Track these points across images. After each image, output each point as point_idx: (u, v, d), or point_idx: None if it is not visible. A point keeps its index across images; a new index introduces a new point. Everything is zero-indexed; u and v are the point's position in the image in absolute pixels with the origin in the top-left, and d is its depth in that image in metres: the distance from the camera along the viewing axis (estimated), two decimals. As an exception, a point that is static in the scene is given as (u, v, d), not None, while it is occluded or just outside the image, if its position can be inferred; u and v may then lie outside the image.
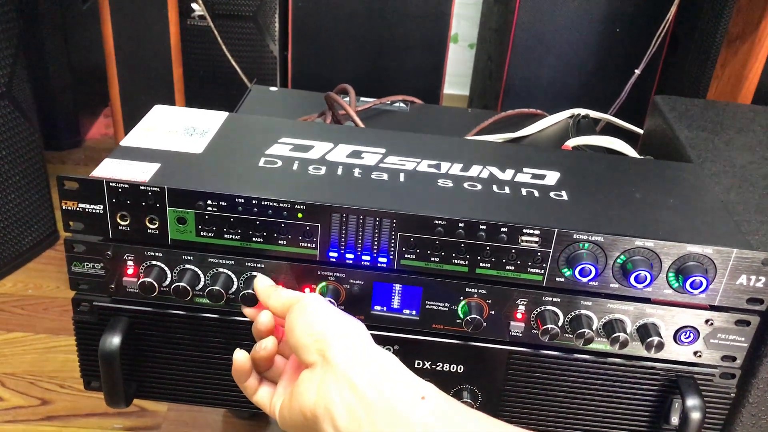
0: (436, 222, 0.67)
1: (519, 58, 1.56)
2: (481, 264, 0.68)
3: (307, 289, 0.71)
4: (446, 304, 0.71)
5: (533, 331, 0.71)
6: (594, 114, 1.10)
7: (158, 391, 0.78)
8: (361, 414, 0.53)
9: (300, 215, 0.67)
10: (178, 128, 0.79)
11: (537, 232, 0.67)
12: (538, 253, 0.67)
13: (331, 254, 0.69)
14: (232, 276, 0.71)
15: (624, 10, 1.52)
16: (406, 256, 0.69)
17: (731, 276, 0.67)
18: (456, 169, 0.76)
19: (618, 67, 1.53)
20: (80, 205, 0.68)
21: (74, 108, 1.88)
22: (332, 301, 0.69)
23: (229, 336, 0.74)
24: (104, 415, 1.14)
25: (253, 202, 0.67)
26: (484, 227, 0.67)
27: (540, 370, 0.73)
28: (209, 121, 0.82)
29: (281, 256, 0.70)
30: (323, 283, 0.71)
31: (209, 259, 0.70)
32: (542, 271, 0.68)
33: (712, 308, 0.69)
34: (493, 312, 0.71)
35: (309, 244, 0.69)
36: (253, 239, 0.69)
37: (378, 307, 0.72)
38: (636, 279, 0.66)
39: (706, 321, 0.69)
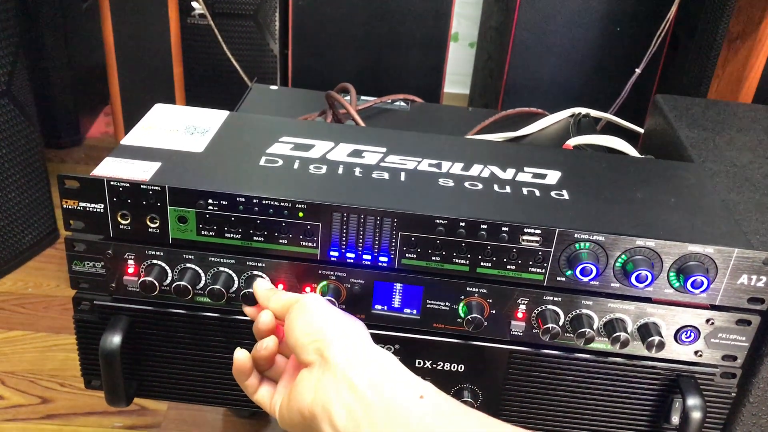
0: (437, 221, 0.67)
1: (519, 57, 1.56)
2: (482, 263, 0.68)
3: (307, 289, 0.71)
4: (447, 304, 0.71)
5: (534, 331, 0.71)
6: (595, 113, 1.10)
7: (159, 390, 0.78)
8: (359, 414, 0.53)
9: (301, 214, 0.67)
10: (178, 127, 0.79)
11: (538, 231, 0.67)
12: (539, 252, 0.67)
13: (332, 253, 0.69)
14: (233, 275, 0.71)
15: (624, 10, 1.52)
16: (407, 255, 0.69)
17: (732, 275, 0.67)
18: (457, 168, 0.76)
19: (618, 66, 1.53)
20: (81, 203, 0.68)
21: (74, 106, 1.87)
22: (333, 300, 0.69)
23: (229, 335, 0.74)
24: (104, 413, 1.14)
25: (254, 201, 0.67)
26: (485, 227, 0.67)
27: (541, 370, 0.73)
28: (210, 120, 0.82)
29: (282, 255, 0.70)
30: (324, 283, 0.71)
31: (210, 258, 0.70)
32: (543, 271, 0.68)
33: (713, 308, 0.69)
34: (493, 311, 0.71)
35: (310, 244, 0.69)
36: (254, 238, 0.69)
37: (379, 307, 0.72)
38: (637, 278, 0.66)
39: (707, 320, 0.69)
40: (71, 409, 1.15)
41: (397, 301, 0.71)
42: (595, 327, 0.70)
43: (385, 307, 0.72)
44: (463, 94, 2.22)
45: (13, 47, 1.34)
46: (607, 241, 0.66)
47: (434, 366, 0.74)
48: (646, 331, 0.69)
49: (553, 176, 0.77)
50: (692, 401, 0.69)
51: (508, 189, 0.73)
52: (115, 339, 0.70)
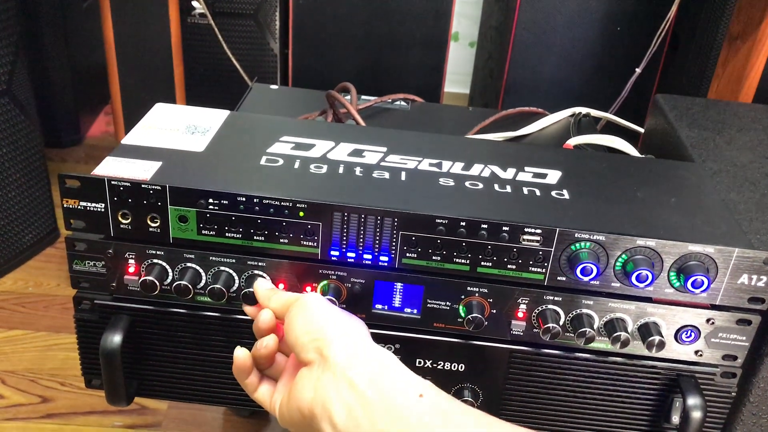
0: (438, 221, 0.67)
1: (520, 56, 1.56)
2: (482, 263, 0.68)
3: (308, 288, 0.71)
4: (447, 303, 0.71)
5: (534, 330, 0.71)
6: (595, 113, 1.10)
7: (159, 389, 0.78)
8: (359, 412, 0.53)
9: (301, 214, 0.67)
10: (179, 126, 0.79)
11: (538, 231, 0.67)
12: (540, 252, 0.67)
13: (333, 253, 0.69)
14: (234, 274, 0.71)
15: (625, 9, 1.52)
16: (407, 254, 0.69)
17: (732, 275, 0.67)
18: (457, 167, 0.76)
19: (619, 65, 1.53)
20: (82, 203, 0.68)
21: (75, 106, 1.87)
22: (333, 299, 0.69)
23: (230, 334, 0.74)
24: (104, 412, 1.14)
25: (255, 200, 0.67)
26: (486, 226, 0.67)
27: (541, 369, 0.73)
28: (210, 120, 0.82)
29: (283, 254, 0.70)
30: (324, 282, 0.71)
31: (210, 258, 0.70)
32: (543, 270, 0.68)
33: (714, 307, 0.69)
34: (494, 311, 0.71)
35: (310, 243, 0.69)
36: (255, 238, 0.69)
37: (379, 306, 0.72)
38: (637, 278, 0.66)
39: (708, 320, 0.69)
40: (71, 408, 1.15)
41: (397, 301, 0.71)
42: (595, 327, 0.70)
43: (386, 307, 0.72)
44: (464, 94, 2.22)
45: (13, 46, 1.34)
46: (608, 240, 0.66)
47: (435, 365, 0.74)
48: (646, 331, 0.69)
49: (553, 176, 0.77)
50: (692, 401, 0.69)
51: (508, 189, 0.73)
52: (116, 338, 0.70)
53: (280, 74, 1.58)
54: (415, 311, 0.72)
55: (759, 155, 0.91)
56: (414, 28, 1.48)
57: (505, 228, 0.67)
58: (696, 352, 0.71)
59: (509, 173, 0.76)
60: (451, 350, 0.73)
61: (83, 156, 1.89)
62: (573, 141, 0.97)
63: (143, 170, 0.69)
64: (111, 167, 0.69)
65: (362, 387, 0.54)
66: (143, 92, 1.45)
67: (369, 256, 0.69)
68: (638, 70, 1.41)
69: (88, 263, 0.71)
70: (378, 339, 0.60)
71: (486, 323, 0.70)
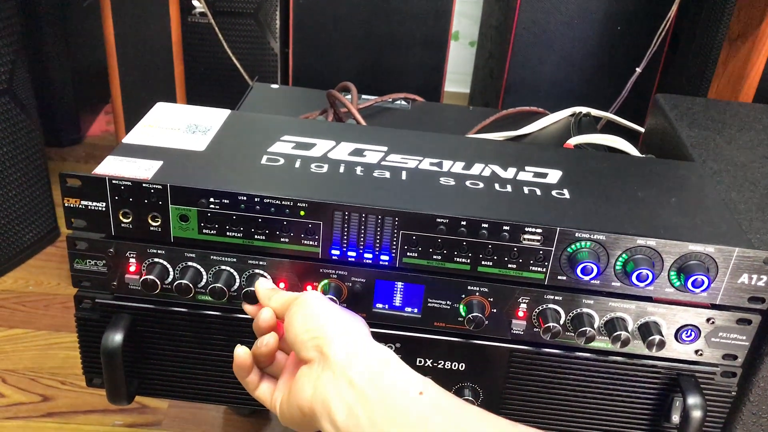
0: (439, 220, 0.67)
1: (520, 56, 1.56)
2: (483, 262, 0.68)
3: (309, 287, 0.71)
4: (448, 302, 0.71)
5: (535, 330, 0.71)
6: (595, 112, 1.11)
7: (160, 387, 0.78)
8: (359, 410, 0.53)
9: (302, 213, 0.67)
10: (180, 126, 0.79)
11: (539, 230, 0.67)
12: (540, 251, 0.68)
13: (333, 252, 0.69)
14: (234, 273, 0.71)
15: (625, 9, 1.52)
16: (408, 254, 0.69)
17: (733, 275, 0.67)
18: (458, 167, 0.77)
19: (619, 65, 1.53)
20: (83, 202, 0.68)
21: (75, 105, 1.87)
22: (334, 298, 0.69)
23: (230, 333, 0.74)
24: (105, 411, 1.14)
25: (256, 199, 0.67)
26: (486, 225, 0.67)
27: (541, 369, 0.73)
28: (211, 119, 0.82)
29: (283, 253, 0.70)
30: (325, 281, 0.71)
31: (211, 257, 0.70)
32: (544, 270, 0.68)
33: (714, 307, 0.69)
34: (494, 310, 0.71)
35: (311, 242, 0.69)
36: (256, 237, 0.69)
37: (380, 305, 0.72)
38: (638, 277, 0.66)
39: (708, 320, 0.69)
40: (72, 407, 1.15)
41: (398, 300, 0.71)
42: (595, 326, 0.70)
43: (386, 306, 0.72)
44: (464, 93, 2.22)
45: (14, 45, 1.34)
46: (608, 240, 0.67)
47: (435, 364, 0.74)
48: (646, 330, 0.69)
49: (554, 175, 0.77)
50: (692, 400, 0.69)
51: (509, 188, 0.73)
52: (117, 337, 0.70)
53: (281, 73, 1.58)
54: (415, 310, 0.72)
55: (759, 155, 0.91)
56: (414, 28, 1.48)
57: (505, 227, 0.67)
58: (696, 352, 0.71)
59: (510, 173, 0.76)
60: (452, 349, 0.73)
61: (83, 155, 1.89)
62: (573, 140, 0.97)
63: (144, 169, 0.69)
64: (112, 166, 0.69)
65: (362, 385, 0.54)
66: (144, 91, 1.45)
67: (370, 256, 0.69)
68: (638, 70, 1.41)
69: (89, 262, 0.71)
70: (378, 338, 0.60)
71: (486, 322, 0.70)
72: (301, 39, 1.49)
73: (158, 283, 0.70)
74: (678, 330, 0.70)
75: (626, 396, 0.74)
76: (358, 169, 0.74)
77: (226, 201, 0.67)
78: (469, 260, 0.69)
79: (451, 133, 0.95)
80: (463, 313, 0.71)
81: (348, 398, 0.53)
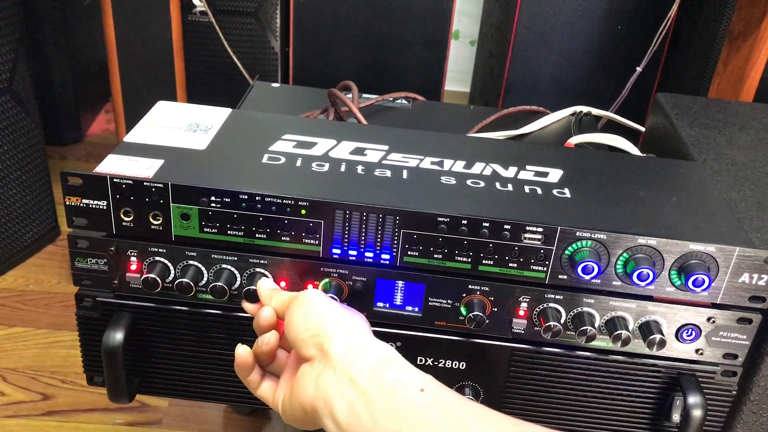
0: (440, 219, 0.67)
1: (520, 55, 1.56)
2: (483, 261, 0.68)
3: (309, 286, 0.71)
4: (449, 301, 0.71)
5: (535, 329, 0.71)
6: (596, 111, 1.10)
7: (160, 386, 0.78)
8: (360, 408, 0.53)
9: (303, 212, 0.68)
10: (181, 124, 0.79)
11: (540, 229, 0.67)
12: (541, 250, 0.68)
13: (334, 251, 0.69)
14: (235, 272, 0.71)
15: (625, 8, 1.52)
16: (409, 252, 0.69)
17: (733, 274, 0.67)
18: (459, 166, 0.77)
19: (619, 64, 1.53)
20: (84, 200, 0.68)
21: (75, 103, 1.87)
22: (335, 297, 0.69)
23: (231, 332, 0.74)
24: (105, 410, 1.14)
25: (257, 198, 0.67)
26: (487, 224, 0.67)
27: (542, 367, 0.73)
28: (212, 118, 0.82)
29: (284, 252, 0.70)
30: (326, 280, 0.71)
31: (212, 256, 0.70)
32: (545, 269, 0.69)
33: (714, 306, 0.70)
34: (495, 309, 0.71)
35: (312, 241, 0.69)
36: (257, 236, 0.69)
37: (381, 304, 0.72)
38: (638, 277, 0.67)
39: (708, 319, 0.70)
40: (72, 405, 1.15)
41: (399, 299, 0.71)
42: (596, 325, 0.70)
43: (387, 305, 0.72)
44: (464, 92, 2.22)
45: (14, 44, 1.34)
46: (609, 239, 0.67)
47: (436, 363, 0.74)
48: (647, 329, 0.70)
49: (554, 174, 0.77)
50: (693, 399, 0.69)
51: (510, 187, 0.73)
52: (118, 336, 0.70)
53: (281, 72, 1.58)
54: (416, 309, 0.72)
55: (760, 154, 0.91)
56: (415, 27, 1.48)
57: (506, 226, 0.67)
58: (697, 351, 0.71)
59: (510, 172, 0.76)
60: (453, 348, 0.74)
61: (84, 154, 1.89)
62: (574, 140, 0.97)
63: (145, 168, 0.69)
64: (113, 165, 0.69)
65: (363, 382, 0.54)
66: (144, 90, 1.45)
67: (370, 254, 0.69)
68: (639, 69, 1.41)
69: (90, 261, 0.71)
70: (379, 337, 0.60)
71: (487, 321, 0.70)
72: (302, 38, 1.49)
73: (159, 281, 0.70)
74: (678, 329, 0.70)
75: (627, 395, 0.74)
76: (359, 168, 0.74)
77: (227, 200, 0.67)
78: (469, 259, 0.69)
79: (452, 132, 0.95)
80: (464, 312, 0.71)
81: (349, 395, 0.54)
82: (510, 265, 0.69)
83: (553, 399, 0.75)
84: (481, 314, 0.69)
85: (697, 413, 0.69)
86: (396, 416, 0.52)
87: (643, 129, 1.11)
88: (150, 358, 0.76)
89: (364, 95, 1.10)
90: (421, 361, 0.74)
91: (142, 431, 1.12)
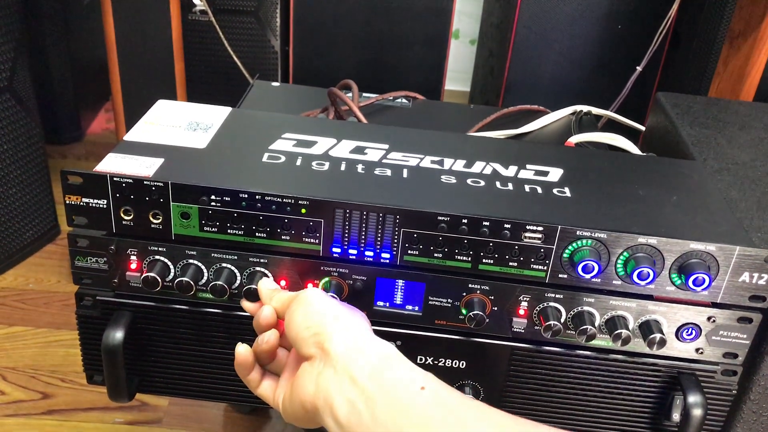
0: (440, 218, 0.67)
1: (520, 54, 1.56)
2: (484, 260, 0.68)
3: (310, 285, 0.71)
4: (449, 300, 0.71)
5: (536, 328, 0.71)
6: (596, 111, 1.10)
7: (160, 385, 0.78)
8: (360, 406, 0.53)
9: (303, 211, 0.67)
10: (181, 123, 0.79)
11: (540, 228, 0.67)
12: (541, 249, 0.68)
13: (335, 250, 0.69)
14: (235, 271, 0.71)
15: (626, 7, 1.52)
16: (409, 251, 0.69)
17: (734, 273, 0.67)
18: (459, 165, 0.77)
19: (620, 63, 1.53)
20: (84, 199, 0.68)
21: (75, 102, 1.87)
22: (335, 296, 0.69)
23: (231, 331, 0.74)
24: (105, 409, 1.14)
25: (257, 197, 0.67)
26: (488, 223, 0.67)
27: (542, 367, 0.73)
28: (212, 117, 0.82)
29: (284, 251, 0.70)
30: (326, 279, 0.71)
31: (212, 254, 0.70)
32: (545, 268, 0.68)
33: (715, 305, 0.70)
34: (495, 308, 0.71)
35: (312, 240, 0.69)
36: (257, 234, 0.69)
37: (381, 303, 0.72)
38: (639, 276, 0.66)
39: (709, 318, 0.70)
40: (72, 404, 1.15)
41: (399, 298, 0.71)
42: (596, 324, 0.70)
43: (387, 304, 0.72)
44: (464, 92, 2.22)
45: (14, 43, 1.34)
46: (609, 238, 0.67)
47: (436, 362, 0.74)
48: (647, 329, 0.70)
49: (555, 173, 0.77)
50: (693, 398, 0.69)
51: (510, 186, 0.73)
52: (118, 334, 0.70)
53: (281, 71, 1.58)
54: (416, 308, 0.72)
55: (760, 153, 0.91)
56: (415, 26, 1.48)
57: (506, 225, 0.67)
58: (697, 350, 0.71)
59: (511, 171, 0.76)
60: (453, 347, 0.74)
61: (83, 153, 1.89)
62: (574, 139, 0.97)
63: (145, 167, 0.69)
64: (113, 164, 0.69)
65: (363, 380, 0.54)
66: (144, 89, 1.45)
67: (371, 253, 0.69)
68: (639, 68, 1.41)
69: (90, 260, 0.71)
70: (379, 336, 0.60)
71: (487, 320, 0.70)
72: (302, 37, 1.49)
73: (159, 280, 0.70)
74: (679, 328, 0.70)
75: (627, 394, 0.74)
76: (360, 167, 0.74)
77: (227, 198, 0.67)
78: (470, 258, 0.69)
79: (452, 132, 0.95)
80: (464, 311, 0.71)
81: (349, 394, 0.53)
82: (510, 264, 0.68)
83: (553, 398, 0.75)
84: (481, 313, 0.69)
85: (697, 412, 0.69)
86: (397, 414, 0.52)
87: (643, 128, 1.11)
88: (150, 357, 0.76)
89: (364, 94, 1.10)
90: (421, 360, 0.74)
91: (142, 430, 1.12)
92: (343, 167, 0.74)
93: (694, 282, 0.66)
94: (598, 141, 0.97)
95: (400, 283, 0.71)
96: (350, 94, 1.03)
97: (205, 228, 0.69)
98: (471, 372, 0.75)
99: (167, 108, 0.83)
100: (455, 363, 0.74)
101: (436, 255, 0.69)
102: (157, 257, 0.70)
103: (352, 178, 0.72)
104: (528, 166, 0.78)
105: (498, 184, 0.73)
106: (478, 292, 0.70)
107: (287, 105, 1.10)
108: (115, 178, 0.67)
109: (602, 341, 0.72)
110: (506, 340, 0.73)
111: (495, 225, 0.67)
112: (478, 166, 0.77)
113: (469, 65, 2.12)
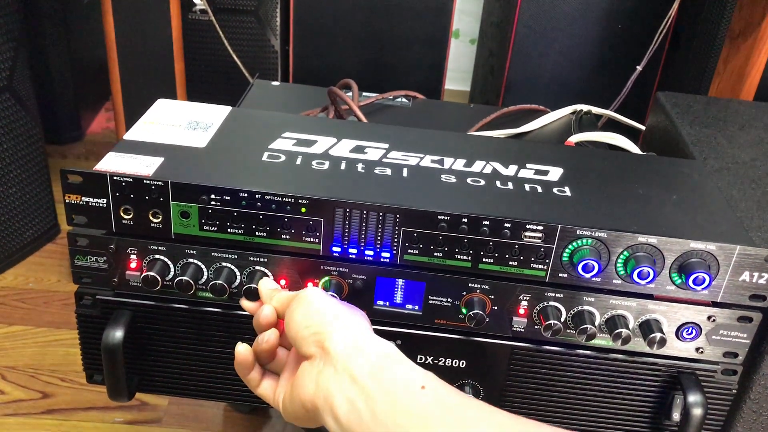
0: (440, 217, 0.67)
1: (520, 53, 1.56)
2: (484, 259, 0.68)
3: (310, 284, 0.71)
4: (449, 300, 0.71)
5: (536, 327, 0.71)
6: (596, 110, 1.10)
7: (160, 384, 0.78)
8: (361, 405, 0.53)
9: (303, 210, 0.67)
10: (181, 122, 0.79)
11: (540, 227, 0.67)
12: (541, 248, 0.68)
13: (335, 249, 0.69)
14: (235, 270, 0.71)
15: (626, 6, 1.52)
16: (409, 251, 0.69)
17: (734, 272, 0.67)
18: (459, 164, 0.77)
19: (620, 63, 1.53)
20: (84, 198, 0.68)
21: (75, 102, 1.87)
22: (335, 295, 0.69)
23: (231, 330, 0.74)
24: (105, 408, 1.14)
25: (257, 196, 0.67)
26: (488, 223, 0.67)
27: (542, 366, 0.73)
28: (212, 116, 0.82)
29: (284, 250, 0.70)
30: (326, 278, 0.71)
31: (212, 254, 0.70)
32: (545, 267, 0.68)
33: (715, 305, 0.69)
34: (495, 307, 0.71)
35: (312, 239, 0.69)
36: (257, 234, 0.69)
37: (381, 302, 0.72)
38: (639, 275, 0.66)
39: (709, 317, 0.69)
40: (72, 403, 1.15)
41: (399, 297, 0.71)
42: (596, 323, 0.70)
43: (387, 303, 0.72)
44: (464, 91, 2.22)
45: (14, 42, 1.34)
46: (609, 237, 0.66)
47: (436, 362, 0.74)
48: (647, 328, 0.69)
49: (555, 173, 0.77)
50: (693, 398, 0.69)
51: (510, 185, 0.73)
52: (118, 334, 0.70)
53: (281, 70, 1.57)
54: (416, 307, 0.72)
55: (760, 153, 0.91)
56: (415, 25, 1.48)
57: (506, 225, 0.67)
58: (697, 350, 0.71)
59: (511, 170, 0.76)
60: (453, 347, 0.73)
61: (83, 152, 1.89)
62: (574, 138, 0.97)
63: (145, 166, 0.69)
64: (113, 163, 0.69)
65: (363, 380, 0.54)
66: (144, 88, 1.45)
67: (371, 253, 0.69)
68: (639, 68, 1.41)
69: (90, 259, 0.71)
70: (379, 335, 0.60)
71: (487, 320, 0.70)
72: (302, 36, 1.49)
73: (159, 279, 0.70)
74: (679, 328, 0.70)
75: (627, 394, 0.74)
76: (360, 166, 0.74)
77: (227, 198, 0.67)
78: (470, 257, 0.68)
79: (452, 131, 0.95)
80: (464, 311, 0.71)
81: (350, 393, 0.53)
82: (510, 263, 0.68)
83: (553, 397, 0.75)
84: (481, 312, 0.69)
85: (697, 412, 0.69)
86: (397, 413, 0.52)
87: (643, 128, 1.11)
88: (150, 357, 0.76)
89: (364, 93, 1.10)
90: (421, 359, 0.74)
91: (142, 430, 1.12)
92: (343, 166, 0.74)
93: (694, 281, 0.66)
94: (598, 140, 0.97)
95: (400, 282, 0.71)
96: (350, 94, 1.03)
97: (205, 227, 0.69)
98: (471, 371, 0.75)
99: (167, 107, 0.83)
100: (455, 362, 0.74)
101: (436, 254, 0.69)
102: (156, 256, 0.70)
103: (352, 177, 0.72)
104: (528, 166, 0.78)
105: (498, 183, 0.73)
106: (478, 291, 0.70)
107: (287, 104, 1.10)
108: (114, 177, 0.67)
109: (602, 341, 0.71)
110: (506, 340, 0.73)
111: (495, 224, 0.67)
112: (478, 166, 0.77)
113: (469, 65, 2.12)
